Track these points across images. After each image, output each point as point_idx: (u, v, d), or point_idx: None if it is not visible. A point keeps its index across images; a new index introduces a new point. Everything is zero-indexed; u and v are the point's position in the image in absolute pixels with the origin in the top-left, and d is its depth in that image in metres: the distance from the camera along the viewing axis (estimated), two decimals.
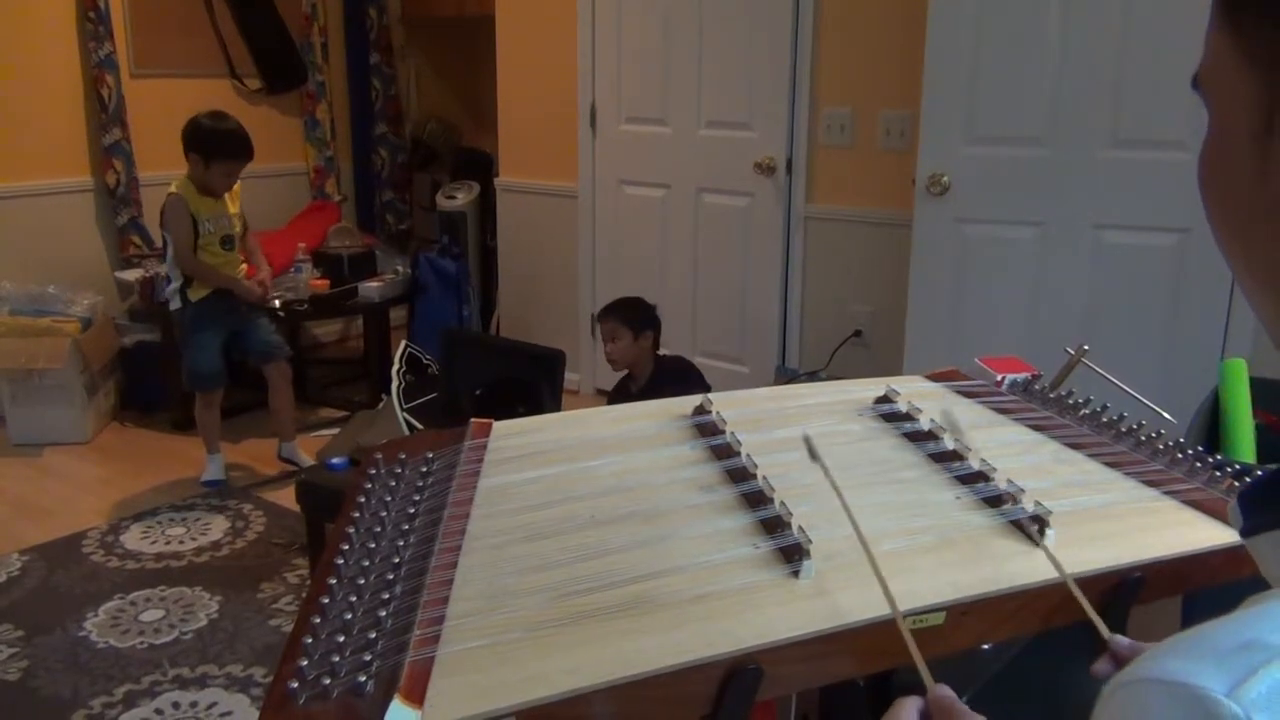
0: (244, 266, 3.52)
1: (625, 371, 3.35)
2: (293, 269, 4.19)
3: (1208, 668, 0.40)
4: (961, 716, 0.68)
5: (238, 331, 3.49)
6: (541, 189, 4.45)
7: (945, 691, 0.70)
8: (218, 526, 3.23)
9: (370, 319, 4.50)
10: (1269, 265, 0.50)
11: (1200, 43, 0.51)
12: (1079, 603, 0.89)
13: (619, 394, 3.39)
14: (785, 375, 3.77)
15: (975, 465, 1.04)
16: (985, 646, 0.90)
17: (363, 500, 1.00)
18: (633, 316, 3.28)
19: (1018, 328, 3.00)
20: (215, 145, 3.29)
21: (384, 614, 0.80)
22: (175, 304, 3.43)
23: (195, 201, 3.32)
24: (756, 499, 0.96)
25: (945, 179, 3.00)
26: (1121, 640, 0.78)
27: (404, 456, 1.09)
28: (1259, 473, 1.08)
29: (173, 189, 3.33)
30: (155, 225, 4.39)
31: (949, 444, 1.09)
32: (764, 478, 0.98)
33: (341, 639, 0.78)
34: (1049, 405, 1.27)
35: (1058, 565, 0.86)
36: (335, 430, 3.87)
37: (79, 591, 2.81)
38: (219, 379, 3.48)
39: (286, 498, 3.27)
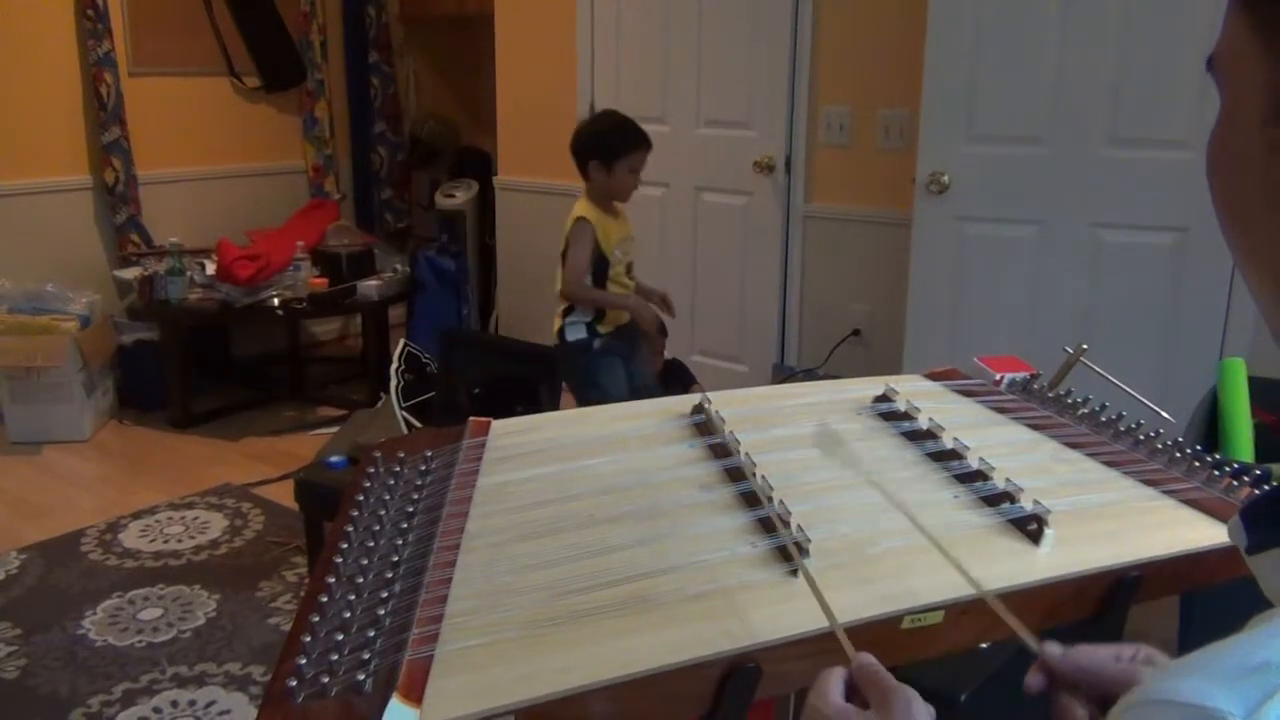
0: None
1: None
2: (291, 267, 4.19)
3: (1223, 690, 0.39)
4: (886, 682, 0.67)
5: (629, 364, 3.12)
6: (540, 188, 4.45)
7: (868, 659, 0.70)
8: (216, 525, 3.23)
9: (369, 318, 4.50)
10: (1274, 257, 0.49)
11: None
12: (1081, 600, 0.89)
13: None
14: (784, 374, 3.77)
15: (974, 464, 1.04)
16: (983, 645, 0.90)
17: (361, 499, 1.00)
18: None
19: (1016, 327, 3.00)
20: (615, 141, 2.91)
21: (383, 612, 0.80)
22: (577, 335, 3.02)
23: (605, 230, 2.95)
24: (755, 498, 0.96)
25: (945, 178, 3.00)
26: (1054, 649, 0.73)
27: (403, 455, 1.09)
28: (1257, 472, 1.08)
29: (579, 213, 2.93)
30: (154, 223, 4.41)
31: (948, 443, 1.09)
32: (762, 477, 0.98)
33: (340, 637, 0.78)
34: (1047, 404, 1.27)
35: (969, 576, 0.83)
36: (334, 429, 3.86)
37: (77, 590, 2.81)
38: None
39: (285, 496, 3.27)
